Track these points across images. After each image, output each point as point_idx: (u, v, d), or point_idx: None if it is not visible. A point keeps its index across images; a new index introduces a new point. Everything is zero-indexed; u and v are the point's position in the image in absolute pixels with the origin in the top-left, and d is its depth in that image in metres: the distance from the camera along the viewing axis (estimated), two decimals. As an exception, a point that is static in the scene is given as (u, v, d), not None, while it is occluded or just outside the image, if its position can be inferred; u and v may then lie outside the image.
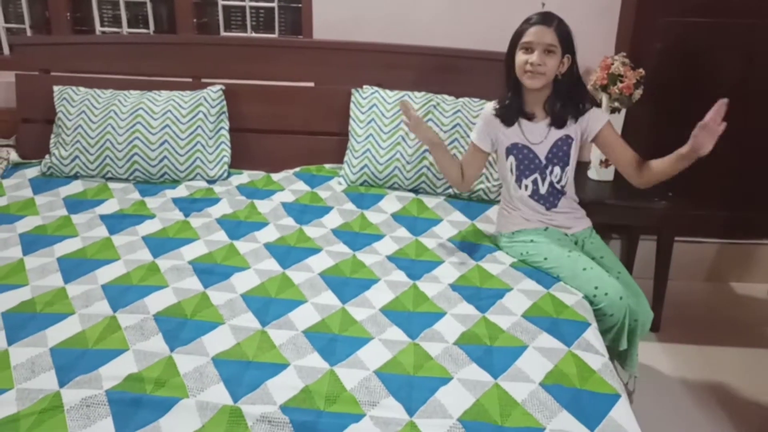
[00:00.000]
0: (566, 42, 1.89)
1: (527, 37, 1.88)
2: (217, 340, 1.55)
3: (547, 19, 1.88)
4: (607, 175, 2.58)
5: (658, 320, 2.56)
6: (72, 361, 1.45)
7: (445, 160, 2.02)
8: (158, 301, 1.69)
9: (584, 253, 1.95)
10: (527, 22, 1.90)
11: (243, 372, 1.45)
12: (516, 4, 2.60)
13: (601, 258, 1.98)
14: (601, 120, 1.96)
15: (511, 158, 2.00)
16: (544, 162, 1.98)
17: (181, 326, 1.59)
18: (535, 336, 1.61)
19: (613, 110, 2.46)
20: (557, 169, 1.98)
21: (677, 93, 2.73)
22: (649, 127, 2.71)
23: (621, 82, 2.39)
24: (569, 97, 1.95)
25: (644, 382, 2.24)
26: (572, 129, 1.98)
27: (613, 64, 2.43)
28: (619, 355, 1.95)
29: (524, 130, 1.98)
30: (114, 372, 1.42)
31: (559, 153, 1.98)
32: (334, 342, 1.57)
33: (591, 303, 1.81)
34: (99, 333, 1.55)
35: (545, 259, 1.90)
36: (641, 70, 2.43)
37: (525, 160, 1.99)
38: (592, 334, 1.64)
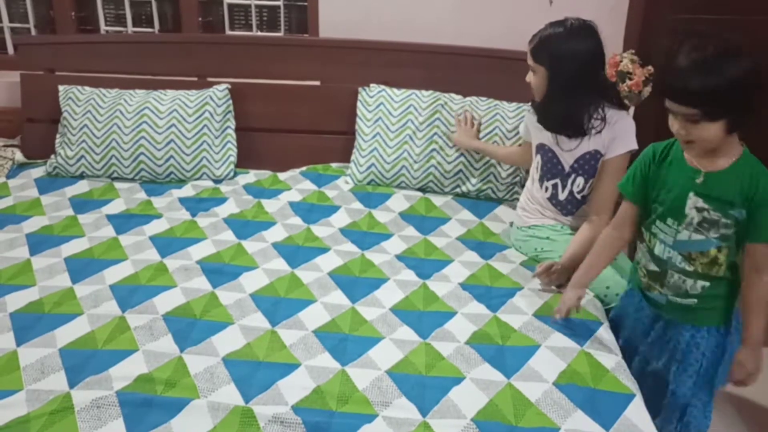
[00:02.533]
0: (544, 57, 1.84)
1: None
2: (227, 341, 1.54)
3: (533, 36, 1.88)
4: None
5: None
6: (82, 362, 1.45)
7: (496, 154, 2.27)
8: (167, 301, 1.68)
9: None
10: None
11: (254, 372, 1.44)
12: (523, 2, 2.61)
13: (614, 259, 1.96)
14: (617, 149, 1.86)
15: (539, 157, 2.01)
16: (567, 170, 1.95)
17: (190, 326, 1.59)
18: (548, 335, 1.60)
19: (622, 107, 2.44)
20: (581, 180, 1.94)
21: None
22: (658, 124, 2.68)
23: (630, 79, 2.38)
24: (560, 110, 1.88)
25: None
26: (600, 143, 1.88)
27: (621, 61, 2.41)
28: None
29: (557, 135, 1.94)
30: (124, 372, 1.41)
31: (585, 166, 1.93)
32: (345, 342, 1.56)
33: (602, 302, 1.80)
34: (108, 333, 1.54)
35: (559, 257, 1.89)
36: (650, 67, 2.40)
37: (548, 163, 1.98)
38: (605, 333, 1.63)
